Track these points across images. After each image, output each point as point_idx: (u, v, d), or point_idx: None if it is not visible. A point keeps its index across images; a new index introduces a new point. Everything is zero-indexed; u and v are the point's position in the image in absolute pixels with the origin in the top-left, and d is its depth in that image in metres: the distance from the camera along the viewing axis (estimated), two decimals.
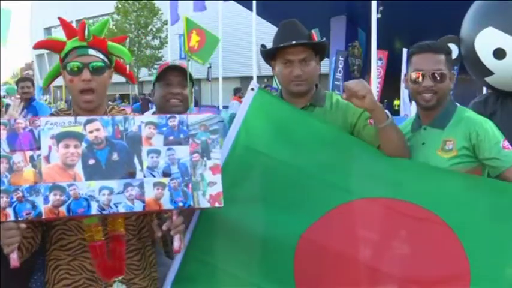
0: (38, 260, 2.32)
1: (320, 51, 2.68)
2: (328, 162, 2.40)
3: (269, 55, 2.70)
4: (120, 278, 2.17)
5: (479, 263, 2.19)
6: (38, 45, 2.34)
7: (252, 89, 2.54)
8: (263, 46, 2.73)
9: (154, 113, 3.01)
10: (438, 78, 2.55)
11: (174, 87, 2.85)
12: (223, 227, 2.38)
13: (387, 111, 2.48)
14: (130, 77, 2.52)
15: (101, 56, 2.20)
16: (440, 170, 2.41)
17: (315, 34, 2.70)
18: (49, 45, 2.31)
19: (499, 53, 3.26)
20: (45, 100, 28.52)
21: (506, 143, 2.51)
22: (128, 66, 2.39)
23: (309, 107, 2.65)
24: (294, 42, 2.56)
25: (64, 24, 2.27)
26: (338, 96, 2.75)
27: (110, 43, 2.24)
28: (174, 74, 2.87)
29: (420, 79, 2.57)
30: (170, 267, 2.42)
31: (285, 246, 2.35)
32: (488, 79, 3.40)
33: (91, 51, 2.18)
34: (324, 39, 2.71)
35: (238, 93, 16.40)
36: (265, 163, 2.42)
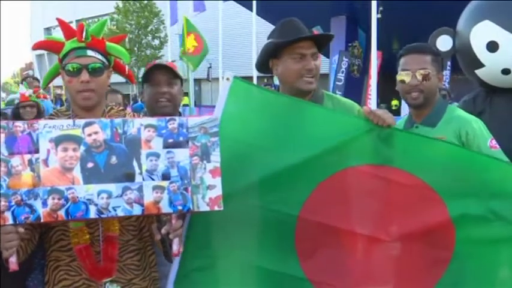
0: (35, 259, 2.32)
1: (321, 49, 2.67)
2: (312, 139, 2.39)
3: (272, 52, 2.64)
4: (110, 279, 2.18)
5: (463, 224, 2.30)
6: (37, 46, 2.34)
7: (228, 79, 2.49)
8: (270, 43, 2.65)
9: (145, 113, 3.00)
10: (423, 77, 2.66)
11: (161, 86, 2.82)
12: (217, 220, 2.36)
13: None
14: (129, 77, 2.51)
15: (100, 56, 2.19)
16: (427, 138, 2.42)
17: (318, 32, 2.71)
18: (48, 46, 2.31)
19: (492, 46, 3.37)
20: None
21: (493, 142, 2.62)
22: (127, 66, 2.38)
23: None
24: (309, 35, 2.55)
25: (62, 24, 2.26)
26: (338, 96, 2.77)
27: (108, 43, 2.24)
28: (160, 73, 2.84)
29: (406, 78, 2.68)
30: (171, 267, 2.41)
31: (285, 230, 2.38)
32: (478, 72, 3.46)
33: (90, 52, 2.17)
34: (332, 33, 2.76)
35: None
36: (252, 152, 2.40)
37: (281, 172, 2.37)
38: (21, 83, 7.89)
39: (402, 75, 2.72)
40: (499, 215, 2.28)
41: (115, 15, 31.37)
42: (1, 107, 8.46)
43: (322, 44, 2.65)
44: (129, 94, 32.98)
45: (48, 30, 40.54)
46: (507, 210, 2.28)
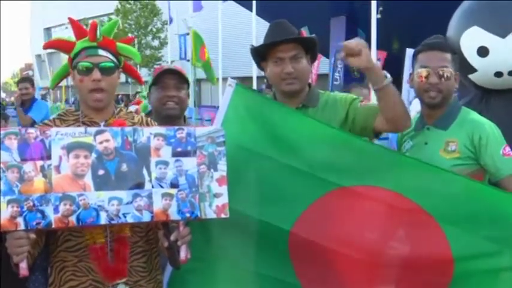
0: (36, 261, 2.31)
1: (311, 49, 2.65)
2: (310, 154, 2.39)
3: (260, 56, 2.66)
4: (123, 280, 2.19)
5: (461, 251, 2.22)
6: (47, 45, 2.36)
7: (230, 85, 2.53)
8: (251, 48, 2.69)
9: (149, 112, 3.04)
10: (444, 75, 2.56)
11: (170, 90, 2.88)
12: (211, 226, 2.40)
13: (385, 72, 2.42)
14: (138, 77, 2.55)
15: (111, 56, 2.23)
16: (426, 164, 2.35)
17: (305, 32, 2.70)
18: (58, 45, 2.33)
19: (482, 51, 3.36)
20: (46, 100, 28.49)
21: (507, 149, 2.52)
22: (137, 67, 2.41)
23: (301, 108, 2.62)
24: (283, 38, 2.54)
25: (74, 24, 2.28)
26: (328, 93, 2.74)
27: (119, 44, 2.27)
28: (169, 77, 2.90)
29: (426, 76, 2.57)
30: (165, 270, 2.46)
31: (278, 244, 2.38)
32: (471, 76, 3.48)
33: (101, 52, 2.21)
34: (314, 35, 2.70)
35: None
36: (249, 159, 2.42)
37: (275, 185, 2.39)
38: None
39: (421, 72, 2.59)
40: (501, 242, 2.19)
41: (113, 16, 31.36)
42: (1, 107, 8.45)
43: (309, 46, 2.63)
44: (128, 94, 33.01)
45: (48, 30, 40.52)
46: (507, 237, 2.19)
